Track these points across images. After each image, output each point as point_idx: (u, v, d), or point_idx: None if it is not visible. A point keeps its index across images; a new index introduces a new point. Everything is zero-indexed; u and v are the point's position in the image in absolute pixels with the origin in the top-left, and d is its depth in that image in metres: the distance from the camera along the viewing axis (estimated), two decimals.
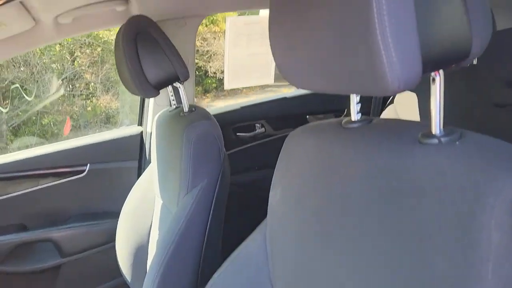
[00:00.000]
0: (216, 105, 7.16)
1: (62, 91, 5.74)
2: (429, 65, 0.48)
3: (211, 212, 1.20)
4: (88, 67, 5.86)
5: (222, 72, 6.90)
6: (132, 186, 1.53)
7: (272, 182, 0.80)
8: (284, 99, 1.95)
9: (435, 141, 0.52)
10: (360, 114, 0.67)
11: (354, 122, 0.67)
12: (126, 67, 1.19)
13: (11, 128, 5.40)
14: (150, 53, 1.20)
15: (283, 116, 1.96)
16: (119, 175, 1.73)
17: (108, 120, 6.14)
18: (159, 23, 1.34)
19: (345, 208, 0.61)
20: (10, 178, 1.58)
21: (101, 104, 5.99)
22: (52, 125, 5.59)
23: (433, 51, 0.48)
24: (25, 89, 5.25)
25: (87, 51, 5.78)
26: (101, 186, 1.71)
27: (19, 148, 5.36)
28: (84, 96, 5.98)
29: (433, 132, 0.53)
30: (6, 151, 5.26)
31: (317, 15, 0.50)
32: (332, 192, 0.64)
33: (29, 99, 4.93)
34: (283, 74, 0.65)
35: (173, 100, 1.46)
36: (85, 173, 1.66)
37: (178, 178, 1.21)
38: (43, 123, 5.54)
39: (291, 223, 0.73)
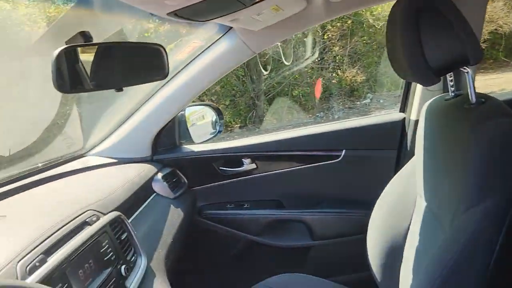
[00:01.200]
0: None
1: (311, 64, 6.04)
2: None
3: (501, 235, 0.93)
4: (338, 40, 5.95)
5: (484, 41, 5.89)
6: (388, 177, 1.38)
7: None
8: None
9: None
10: None
11: None
12: (401, 48, 1.00)
13: (267, 98, 6.04)
14: (435, 31, 0.98)
15: None
16: (375, 164, 1.60)
17: (352, 93, 6.17)
18: None
19: None
20: (271, 157, 1.66)
21: (347, 77, 6.04)
22: (301, 97, 5.99)
23: None
24: (281, 63, 5.73)
25: (338, 24, 5.84)
26: (355, 174, 1.63)
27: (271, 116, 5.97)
28: (330, 69, 6.14)
29: None
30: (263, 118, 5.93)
31: None
32: None
33: (287, 63, 5.32)
34: None
35: (452, 86, 1.21)
36: (340, 158, 1.60)
37: (458, 186, 0.97)
38: (294, 94, 5.98)
39: None
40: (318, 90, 5.68)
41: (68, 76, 0.78)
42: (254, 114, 6.02)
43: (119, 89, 0.85)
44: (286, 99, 6.02)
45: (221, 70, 1.47)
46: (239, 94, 6.05)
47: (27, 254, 0.78)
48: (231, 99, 6.00)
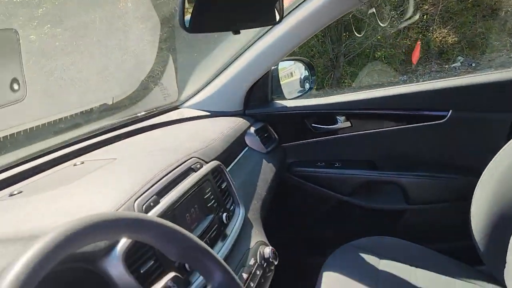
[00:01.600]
0: None
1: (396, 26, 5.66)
2: None
3: None
4: None
5: None
6: (500, 142, 1.25)
7: None
8: None
9: None
10: None
11: None
12: None
13: (347, 60, 5.81)
14: None
15: None
16: (485, 128, 1.46)
17: (440, 56, 5.73)
18: None
19: None
20: (367, 115, 1.58)
21: (436, 38, 5.59)
22: (383, 58, 5.67)
23: None
24: (364, 22, 5.44)
25: None
26: (462, 137, 1.49)
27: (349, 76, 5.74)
28: (418, 29, 5.72)
29: None
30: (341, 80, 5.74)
31: None
32: None
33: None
34: None
35: None
36: (445, 119, 1.47)
37: None
38: (376, 56, 5.68)
39: None
40: (416, 55, 5.27)
41: (191, 16, 0.77)
42: (332, 76, 5.84)
43: (236, 32, 0.83)
44: (367, 61, 5.74)
45: (323, 20, 1.39)
46: (317, 55, 5.88)
47: (142, 194, 0.81)
48: (310, 60, 5.85)
